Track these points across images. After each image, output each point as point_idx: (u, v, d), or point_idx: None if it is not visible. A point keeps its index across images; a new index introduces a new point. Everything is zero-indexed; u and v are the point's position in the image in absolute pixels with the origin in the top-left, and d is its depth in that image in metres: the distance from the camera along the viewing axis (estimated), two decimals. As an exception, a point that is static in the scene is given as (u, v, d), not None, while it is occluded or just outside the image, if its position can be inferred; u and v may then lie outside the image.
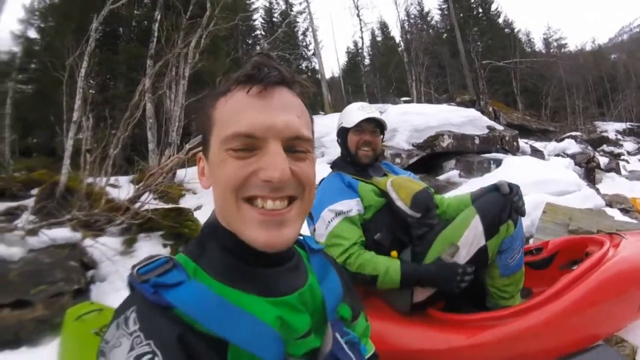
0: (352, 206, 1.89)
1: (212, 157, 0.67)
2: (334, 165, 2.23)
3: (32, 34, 12.86)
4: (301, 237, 0.83)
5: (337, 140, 2.23)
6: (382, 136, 2.17)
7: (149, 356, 0.49)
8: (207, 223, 0.74)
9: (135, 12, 13.59)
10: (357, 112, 2.09)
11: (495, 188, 1.91)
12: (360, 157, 2.09)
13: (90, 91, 7.42)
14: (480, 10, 31.62)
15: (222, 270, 0.65)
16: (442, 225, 1.96)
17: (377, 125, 2.11)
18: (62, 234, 3.71)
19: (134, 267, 0.61)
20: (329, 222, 1.84)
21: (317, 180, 2.17)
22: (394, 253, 1.87)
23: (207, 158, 0.70)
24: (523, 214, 1.90)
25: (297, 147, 0.66)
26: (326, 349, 0.69)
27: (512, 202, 1.84)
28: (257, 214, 0.62)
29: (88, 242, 3.79)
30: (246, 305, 0.60)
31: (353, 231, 1.85)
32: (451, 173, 7.91)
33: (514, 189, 1.89)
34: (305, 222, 1.94)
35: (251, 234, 0.63)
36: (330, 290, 0.76)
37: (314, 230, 1.91)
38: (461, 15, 29.11)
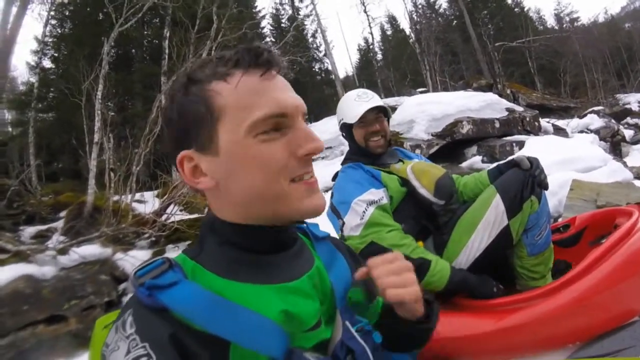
0: (381, 194, 1.81)
1: (230, 149, 0.62)
2: (347, 159, 2.11)
3: (47, 63, 13.35)
4: (304, 225, 0.82)
5: (342, 135, 2.14)
6: (387, 119, 2.07)
7: (144, 359, 0.50)
8: (204, 221, 0.72)
9: (145, 32, 13.88)
10: (355, 103, 1.99)
11: (515, 164, 1.85)
12: (373, 148, 2.00)
13: (110, 112, 7.59)
14: (488, -8, 31.07)
15: (224, 264, 0.64)
16: (462, 208, 1.92)
17: (379, 111, 2.00)
18: (92, 250, 3.82)
19: (134, 269, 0.61)
20: (363, 212, 1.73)
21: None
22: (420, 243, 1.81)
23: (213, 153, 0.64)
24: (546, 187, 1.83)
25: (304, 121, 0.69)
26: (336, 338, 0.67)
27: (533, 176, 1.76)
28: (304, 186, 0.65)
29: (118, 256, 3.89)
30: (248, 299, 0.60)
31: (390, 218, 1.78)
32: (474, 159, 7.79)
33: (534, 163, 1.82)
34: (329, 220, 1.93)
35: (305, 205, 0.65)
36: (338, 277, 0.75)
37: (343, 224, 1.79)
38: (469, 0, 28.66)
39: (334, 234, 1.41)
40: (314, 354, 0.62)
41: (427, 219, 1.91)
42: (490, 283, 1.79)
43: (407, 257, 1.65)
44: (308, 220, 0.80)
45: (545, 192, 1.87)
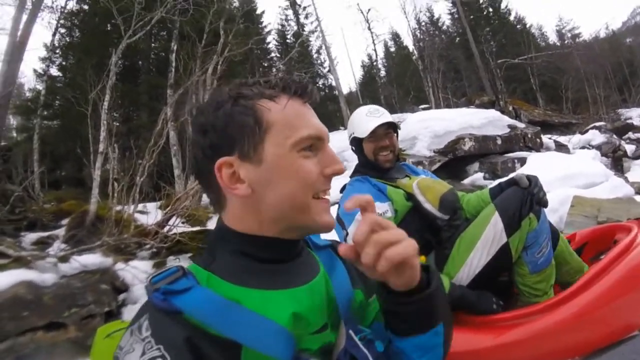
0: (386, 208, 1.87)
1: (274, 160, 0.68)
2: (356, 172, 2.18)
3: (54, 71, 13.38)
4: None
5: (352, 149, 2.20)
6: (396, 134, 2.13)
7: None
8: (215, 232, 0.76)
9: (153, 44, 14.02)
10: (367, 119, 2.06)
11: (514, 182, 1.86)
12: (382, 163, 2.06)
13: (115, 123, 7.66)
14: (490, 9, 31.32)
15: (234, 272, 0.67)
16: (463, 225, 1.94)
17: (389, 126, 2.07)
18: (93, 259, 3.83)
19: (148, 276, 0.64)
20: None
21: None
22: (422, 258, 1.83)
23: (256, 161, 0.68)
24: (545, 204, 1.83)
25: None
26: (340, 346, 0.70)
27: (532, 194, 1.78)
28: (324, 204, 0.73)
29: (119, 266, 3.89)
30: (259, 305, 0.63)
31: None
32: (475, 176, 7.82)
33: (532, 181, 1.83)
34: (335, 230, 1.94)
35: (322, 220, 0.72)
36: (339, 286, 0.78)
37: (347, 235, 1.85)
38: (472, 17, 28.85)
39: None
40: (319, 359, 0.66)
41: (431, 233, 1.93)
42: (489, 299, 1.80)
43: None
44: None
45: (546, 209, 1.88)
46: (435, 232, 1.93)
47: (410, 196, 1.93)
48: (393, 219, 1.86)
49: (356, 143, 2.14)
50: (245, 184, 0.68)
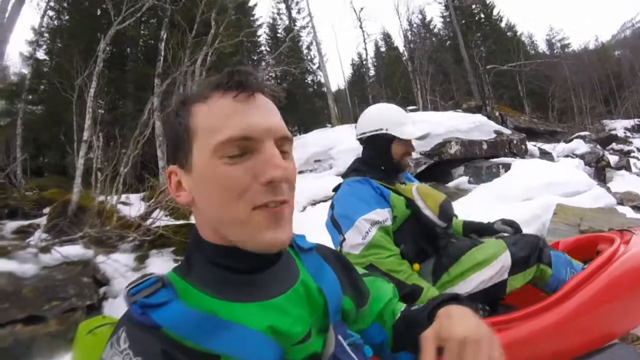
0: (386, 215, 1.82)
1: (199, 169, 0.65)
2: (356, 169, 2.07)
3: (41, 55, 13.04)
4: None
5: (364, 140, 2.09)
6: None
7: None
8: (192, 238, 0.73)
9: (142, 32, 13.80)
10: (407, 121, 2.05)
11: (494, 230, 2.02)
12: (403, 166, 2.05)
13: (100, 111, 7.53)
14: (482, 15, 31.56)
15: (210, 283, 0.65)
16: (467, 243, 1.97)
17: None
18: (75, 251, 3.76)
19: (127, 286, 0.63)
20: (366, 232, 1.74)
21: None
22: (417, 266, 1.84)
23: (189, 170, 0.67)
24: (549, 265, 1.91)
25: (284, 147, 0.67)
26: (328, 352, 0.68)
27: (540, 248, 1.88)
28: (266, 214, 0.62)
29: (100, 258, 3.84)
30: (237, 316, 0.61)
31: (390, 242, 1.79)
32: (460, 180, 7.91)
33: (541, 239, 1.94)
34: (329, 232, 1.93)
35: (262, 236, 0.63)
36: (329, 290, 0.75)
37: (344, 240, 1.79)
38: (463, 21, 29.10)
39: (330, 245, 1.39)
40: None
41: (427, 241, 1.93)
42: (475, 309, 1.82)
43: (402, 283, 1.66)
44: (305, 231, 0.83)
45: (547, 239, 2.01)
46: (432, 239, 1.93)
47: (409, 203, 1.91)
48: (391, 227, 1.84)
49: (382, 139, 2.03)
50: (187, 192, 0.68)
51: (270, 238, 0.63)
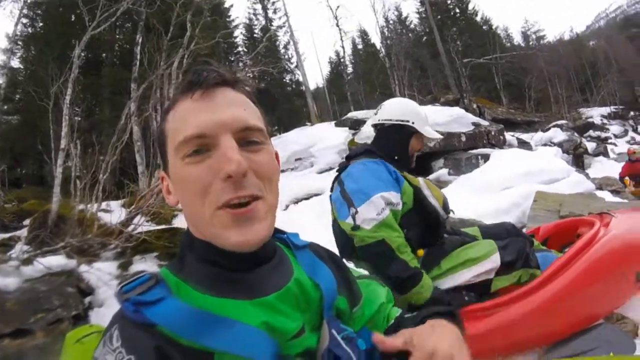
0: (399, 200, 1.86)
1: (171, 170, 0.67)
2: (369, 152, 2.08)
3: (16, 63, 12.83)
4: (284, 235, 0.82)
5: (385, 127, 2.12)
6: None
7: None
8: (184, 236, 0.73)
9: (117, 36, 13.61)
10: (429, 126, 2.17)
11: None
12: (412, 162, 2.13)
13: (76, 118, 7.40)
14: (458, 10, 31.98)
15: (203, 280, 0.65)
16: (457, 239, 2.05)
17: None
18: (57, 261, 3.69)
19: (119, 284, 0.62)
20: (382, 209, 1.77)
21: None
22: (421, 252, 1.90)
23: (168, 174, 0.70)
24: (537, 267, 1.98)
25: (250, 137, 0.66)
26: (323, 346, 0.68)
27: (527, 253, 1.95)
28: (228, 214, 0.61)
29: (84, 268, 3.77)
30: (232, 312, 0.61)
31: (397, 225, 1.82)
32: (440, 172, 8.01)
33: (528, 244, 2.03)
34: (336, 205, 1.94)
35: (227, 237, 0.62)
36: (326, 286, 0.75)
37: (356, 213, 1.80)
38: (439, 17, 29.35)
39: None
40: None
41: (429, 229, 1.97)
42: (460, 296, 1.87)
43: (406, 264, 1.71)
44: (288, 230, 0.82)
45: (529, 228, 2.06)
46: (435, 228, 1.98)
47: (416, 192, 1.96)
48: (399, 213, 1.88)
49: (405, 131, 2.09)
50: (172, 194, 0.70)
51: (236, 239, 0.62)
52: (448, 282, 1.89)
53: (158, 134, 0.72)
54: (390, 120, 2.10)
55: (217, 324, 0.59)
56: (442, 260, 1.92)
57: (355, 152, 2.14)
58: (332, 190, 2.08)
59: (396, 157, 2.05)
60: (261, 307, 0.64)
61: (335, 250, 1.87)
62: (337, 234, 2.03)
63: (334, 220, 2.02)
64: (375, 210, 1.77)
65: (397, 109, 2.12)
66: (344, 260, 1.94)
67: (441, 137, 2.21)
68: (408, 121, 2.08)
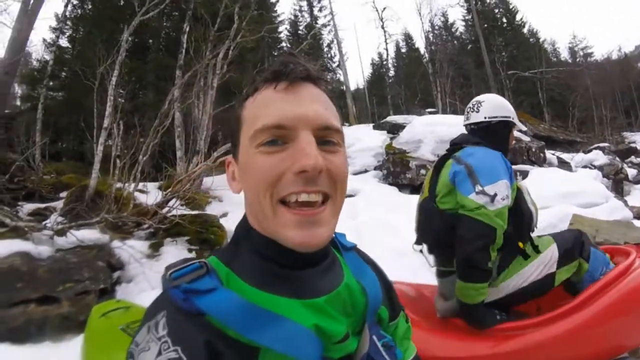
0: (510, 196, 1.89)
1: (242, 157, 0.66)
2: (480, 142, 2.14)
3: (64, 42, 13.21)
4: (333, 235, 0.78)
5: (492, 124, 2.18)
6: None
7: None
8: (241, 224, 0.72)
9: (165, 23, 13.91)
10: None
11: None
12: (508, 154, 2.16)
13: (120, 99, 7.64)
14: (505, 20, 31.15)
15: (255, 273, 0.64)
16: None
17: None
18: (90, 235, 3.82)
19: (167, 269, 0.61)
20: (506, 196, 1.83)
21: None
22: (521, 244, 1.96)
23: (237, 160, 0.69)
24: (587, 260, 2.00)
25: (328, 137, 0.64)
26: (362, 351, 0.67)
27: (582, 241, 2.02)
28: (292, 214, 0.60)
29: (116, 244, 3.89)
30: (284, 310, 0.60)
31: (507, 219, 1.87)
32: (478, 187, 7.83)
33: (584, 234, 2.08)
34: (456, 179, 1.96)
35: (287, 235, 0.61)
36: (372, 292, 0.74)
37: (481, 190, 1.83)
38: (485, 25, 28.75)
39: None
40: None
41: (519, 232, 1.99)
42: (493, 315, 1.88)
43: (489, 260, 1.75)
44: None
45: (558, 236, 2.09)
46: (526, 231, 2.01)
47: (518, 194, 2.01)
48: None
49: (507, 126, 2.20)
50: (237, 181, 0.70)
51: (297, 239, 0.60)
52: (515, 283, 1.93)
53: (233, 120, 0.71)
54: (496, 117, 2.17)
55: (269, 320, 0.58)
56: (511, 263, 1.96)
57: (463, 140, 2.20)
58: (436, 166, 2.18)
59: (502, 149, 2.13)
60: (312, 308, 0.62)
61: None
62: (430, 211, 2.06)
63: (427, 198, 2.10)
64: (501, 194, 1.81)
65: (499, 105, 2.21)
66: (424, 241, 2.11)
67: (525, 128, 2.22)
68: (509, 117, 2.18)
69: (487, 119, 2.17)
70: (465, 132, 2.29)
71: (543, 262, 1.93)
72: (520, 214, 1.96)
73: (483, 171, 1.88)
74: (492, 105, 2.20)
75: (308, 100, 0.64)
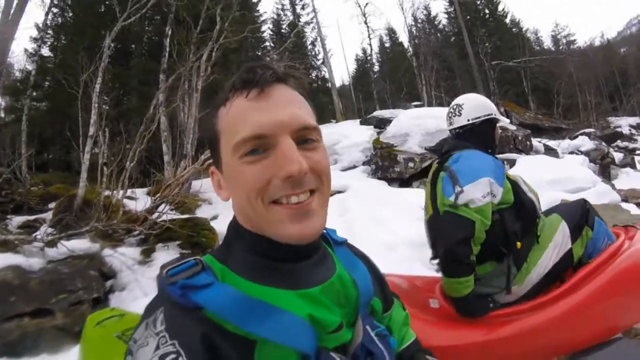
0: (498, 196, 1.91)
1: (226, 169, 0.67)
2: (468, 145, 2.15)
3: (46, 52, 13.09)
4: (324, 231, 0.81)
5: (475, 125, 2.19)
6: None
7: (173, 356, 0.50)
8: (231, 225, 0.74)
9: (147, 28, 13.80)
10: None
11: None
12: (495, 151, 2.19)
13: (105, 106, 7.57)
14: (487, 11, 31.35)
15: (250, 269, 0.65)
16: None
17: None
18: (81, 245, 3.79)
19: (163, 267, 0.62)
20: (487, 193, 1.84)
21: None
22: (519, 244, 1.95)
23: (221, 170, 0.70)
24: (592, 227, 2.06)
25: (307, 136, 0.66)
26: (357, 341, 0.69)
27: (587, 209, 2.09)
28: (285, 210, 0.62)
29: (107, 252, 3.86)
30: (278, 301, 0.61)
31: (490, 216, 1.88)
32: (465, 176, 7.88)
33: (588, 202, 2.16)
34: (443, 184, 1.96)
35: (283, 230, 0.63)
36: (363, 284, 0.76)
37: (461, 192, 1.85)
38: (468, 17, 28.86)
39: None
40: (337, 354, 0.64)
41: (523, 224, 2.01)
42: (486, 303, 1.90)
43: (471, 254, 1.78)
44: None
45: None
46: (531, 221, 2.03)
47: (515, 187, 2.03)
48: (494, 205, 1.92)
49: (490, 124, 2.21)
50: (224, 189, 0.71)
51: (292, 232, 0.63)
52: (535, 274, 1.94)
53: (209, 131, 0.71)
54: (479, 117, 2.18)
55: (265, 311, 0.59)
56: (528, 256, 1.97)
57: (453, 146, 2.19)
58: (431, 182, 2.16)
59: (489, 151, 2.14)
60: (306, 298, 0.64)
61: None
62: (437, 222, 2.05)
63: (432, 216, 2.08)
64: (481, 192, 1.83)
65: (481, 105, 2.22)
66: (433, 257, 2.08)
67: (508, 121, 2.24)
68: (491, 114, 2.19)
69: (470, 121, 2.18)
70: (450, 136, 2.31)
71: (558, 244, 1.97)
72: (522, 205, 1.99)
73: (463, 171, 1.91)
74: (473, 106, 2.22)
75: (282, 104, 0.65)
